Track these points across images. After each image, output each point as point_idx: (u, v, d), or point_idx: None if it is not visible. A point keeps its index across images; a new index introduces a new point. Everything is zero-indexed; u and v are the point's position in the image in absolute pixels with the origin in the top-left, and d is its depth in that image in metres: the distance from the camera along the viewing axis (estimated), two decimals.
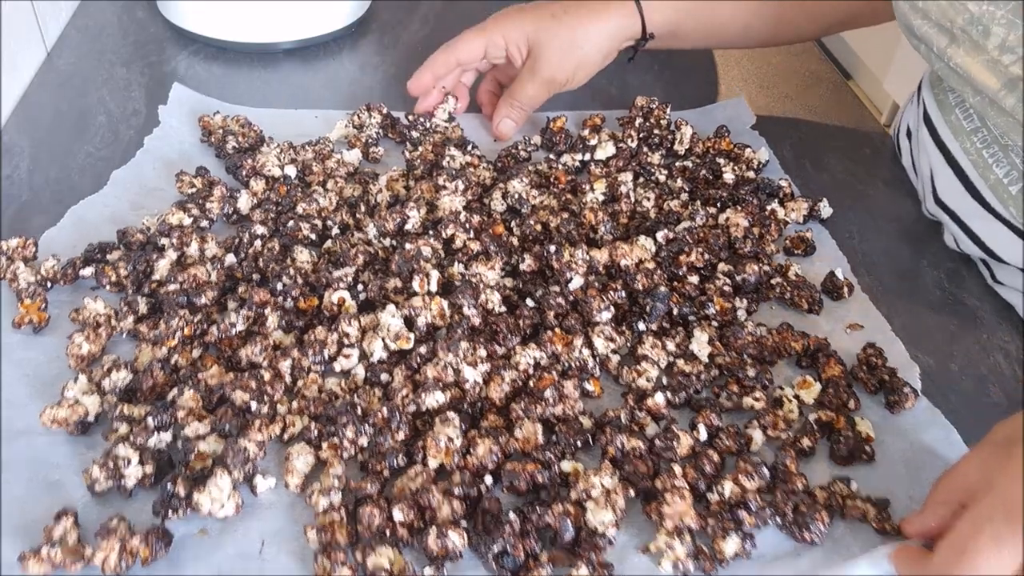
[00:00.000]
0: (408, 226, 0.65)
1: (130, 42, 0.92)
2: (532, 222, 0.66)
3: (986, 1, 0.53)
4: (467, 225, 0.64)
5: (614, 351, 0.59)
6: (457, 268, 0.62)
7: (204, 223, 0.66)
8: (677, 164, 0.76)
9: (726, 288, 0.62)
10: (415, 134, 0.78)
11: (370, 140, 0.76)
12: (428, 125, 0.77)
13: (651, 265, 0.62)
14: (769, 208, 0.71)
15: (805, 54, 1.01)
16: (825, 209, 0.73)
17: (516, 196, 0.68)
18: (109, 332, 0.56)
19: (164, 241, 0.62)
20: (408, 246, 0.62)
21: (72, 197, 0.71)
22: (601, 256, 0.63)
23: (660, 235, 0.64)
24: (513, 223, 0.68)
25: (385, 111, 0.79)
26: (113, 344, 0.57)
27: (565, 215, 0.67)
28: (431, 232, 0.65)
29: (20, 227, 0.67)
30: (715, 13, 0.76)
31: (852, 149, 0.84)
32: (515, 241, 0.66)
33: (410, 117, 0.78)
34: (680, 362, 0.58)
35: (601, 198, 0.71)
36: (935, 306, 0.67)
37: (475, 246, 0.64)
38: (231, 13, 0.88)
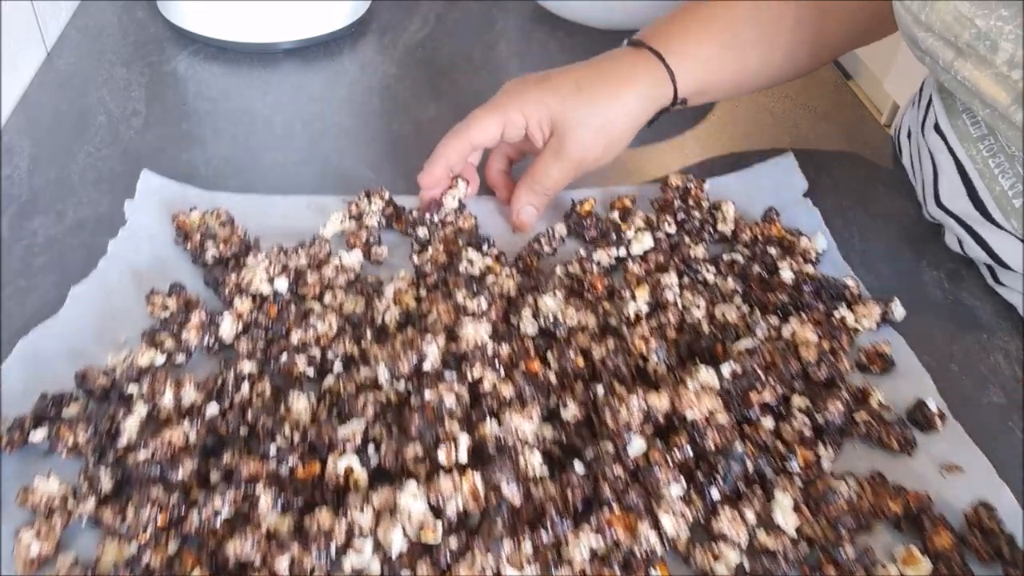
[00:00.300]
0: (426, 365, 0.52)
1: (130, 42, 0.86)
2: (572, 354, 0.53)
3: (993, 16, 0.50)
4: (496, 362, 0.52)
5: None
6: (489, 426, 0.49)
7: (180, 357, 0.53)
8: (725, 258, 0.62)
9: (806, 431, 0.51)
10: (422, 232, 0.64)
11: (371, 238, 0.63)
12: (436, 220, 0.64)
13: (723, 418, 0.49)
14: (838, 315, 0.59)
15: None
16: (898, 310, 0.60)
17: (550, 317, 0.56)
18: (65, 520, 0.45)
19: (132, 389, 0.50)
20: (428, 395, 0.49)
21: (72, 198, 0.66)
22: (660, 403, 0.50)
23: (726, 370, 0.51)
24: (549, 353, 0.54)
25: (387, 196, 0.65)
26: (70, 534, 0.45)
27: (610, 344, 0.54)
28: (453, 371, 0.52)
29: (20, 227, 0.63)
30: (745, 63, 0.67)
31: (852, 149, 0.79)
32: (553, 377, 0.53)
33: (414, 213, 0.64)
34: (762, 535, 0.47)
35: (645, 308, 0.58)
36: (935, 306, 0.63)
37: (507, 390, 0.51)
38: (231, 13, 0.83)
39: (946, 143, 0.64)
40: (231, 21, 0.85)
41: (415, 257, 0.62)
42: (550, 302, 0.57)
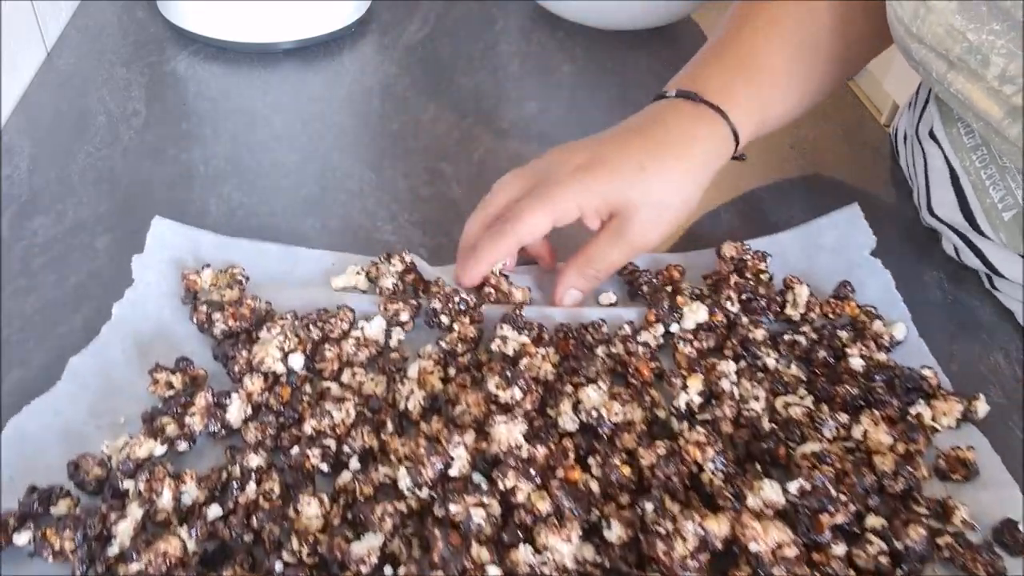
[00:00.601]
0: (452, 470, 0.45)
1: (130, 42, 0.84)
2: (616, 460, 0.46)
3: (985, 31, 0.50)
4: (531, 471, 0.45)
5: None
6: (523, 553, 0.42)
7: (182, 445, 0.47)
8: (786, 338, 0.55)
9: (882, 559, 0.44)
10: (445, 319, 0.55)
11: (397, 317, 0.55)
12: (463, 306, 0.55)
13: (791, 551, 0.43)
14: (914, 411, 0.51)
15: None
16: (981, 407, 0.52)
17: (593, 413, 0.48)
18: None
19: (128, 484, 0.45)
20: (454, 508, 0.43)
21: (72, 198, 0.65)
22: (719, 529, 0.43)
23: (794, 487, 0.45)
24: (590, 457, 0.47)
25: (409, 260, 0.58)
26: None
27: (661, 449, 0.46)
28: (482, 478, 0.46)
29: (20, 227, 0.62)
30: (790, 98, 0.62)
31: (852, 149, 0.78)
32: (595, 486, 0.46)
33: (436, 304, 0.55)
34: None
35: (698, 399, 0.50)
36: (935, 306, 0.62)
37: (543, 505, 0.44)
38: (231, 13, 0.81)
39: (941, 150, 0.63)
40: (231, 21, 0.82)
41: (443, 344, 0.54)
42: (593, 395, 0.50)
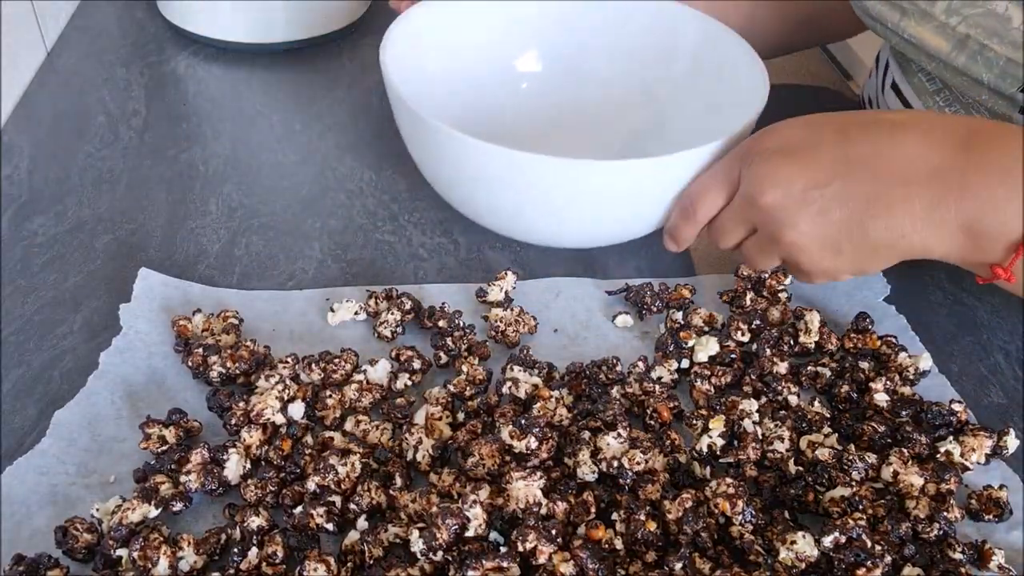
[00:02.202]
0: (468, 531, 0.41)
1: (130, 42, 0.81)
2: (641, 516, 0.42)
3: None
4: (552, 531, 0.40)
5: None
6: None
7: (178, 506, 0.43)
8: (807, 370, 0.52)
9: None
10: (450, 342, 0.51)
11: (409, 364, 0.51)
12: (463, 328, 0.53)
13: None
14: (943, 449, 0.47)
15: (806, 55, 0.89)
16: (1012, 442, 0.49)
17: (614, 464, 0.44)
18: None
19: (121, 552, 0.40)
20: (471, 574, 0.39)
21: (71, 197, 0.62)
22: None
23: (828, 540, 0.41)
24: (614, 514, 0.43)
25: (408, 307, 0.53)
26: None
27: (687, 501, 0.42)
28: (499, 536, 0.42)
29: (20, 227, 0.60)
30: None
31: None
32: (619, 542, 0.42)
33: (441, 323, 0.53)
34: None
35: (720, 441, 0.46)
36: (935, 306, 0.59)
37: (566, 567, 0.39)
38: (231, 13, 0.78)
39: (903, 100, 0.64)
40: (231, 21, 0.78)
41: (451, 387, 0.49)
42: (613, 444, 0.45)
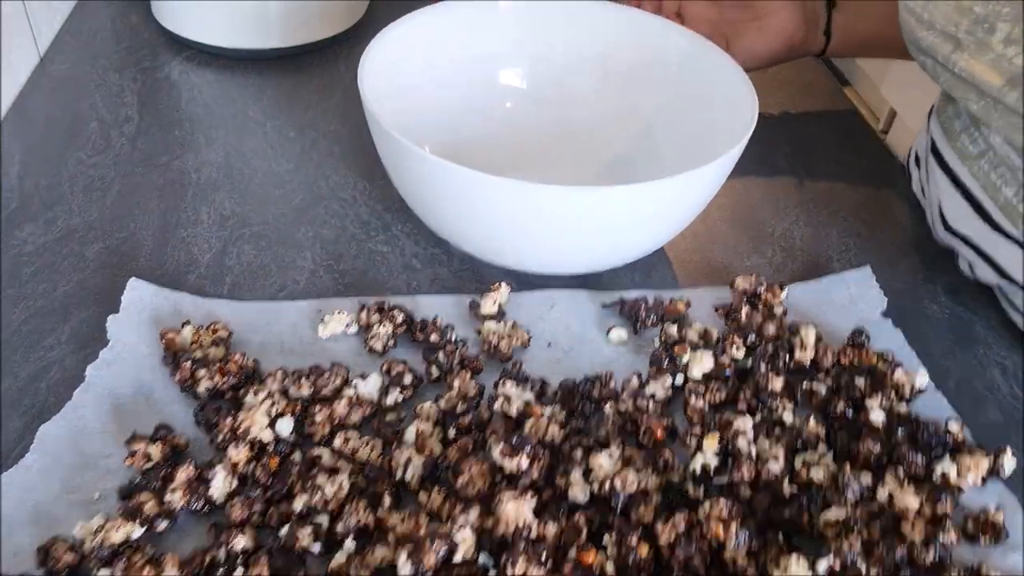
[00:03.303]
0: (457, 555, 0.41)
1: (123, 47, 0.80)
2: (633, 540, 0.41)
3: (992, 3, 0.52)
4: (543, 555, 0.40)
5: None
6: None
7: (162, 524, 0.42)
8: (804, 386, 0.51)
9: None
10: (442, 357, 0.51)
11: (400, 380, 0.50)
12: (456, 343, 0.52)
13: None
14: (940, 470, 0.47)
15: (802, 62, 0.85)
16: (1008, 463, 0.48)
17: (607, 486, 0.44)
18: None
19: (103, 573, 0.40)
20: None
21: (61, 205, 0.62)
22: None
23: (822, 566, 0.41)
24: (605, 534, 0.43)
25: (401, 320, 0.53)
26: None
27: (679, 523, 0.42)
28: (489, 561, 0.41)
29: (9, 235, 0.59)
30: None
31: (848, 160, 0.75)
32: (610, 567, 0.41)
33: (433, 336, 0.52)
34: None
35: (714, 461, 0.46)
36: (932, 320, 0.59)
37: None
38: (225, 19, 0.78)
39: (947, 165, 0.62)
40: (224, 27, 0.78)
41: (441, 403, 0.49)
42: (605, 463, 0.44)
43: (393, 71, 0.59)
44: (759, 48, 0.70)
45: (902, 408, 0.50)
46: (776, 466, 0.45)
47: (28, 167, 0.64)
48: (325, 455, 0.45)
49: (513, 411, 0.47)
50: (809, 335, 0.52)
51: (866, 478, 0.45)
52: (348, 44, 0.83)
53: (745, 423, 0.46)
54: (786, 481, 0.45)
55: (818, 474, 0.45)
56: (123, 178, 0.64)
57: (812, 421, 0.48)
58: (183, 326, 0.51)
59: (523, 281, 0.58)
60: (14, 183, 0.63)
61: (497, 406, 0.47)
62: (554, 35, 0.67)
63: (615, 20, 0.66)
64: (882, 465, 0.46)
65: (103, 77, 0.76)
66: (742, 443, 0.46)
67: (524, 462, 0.43)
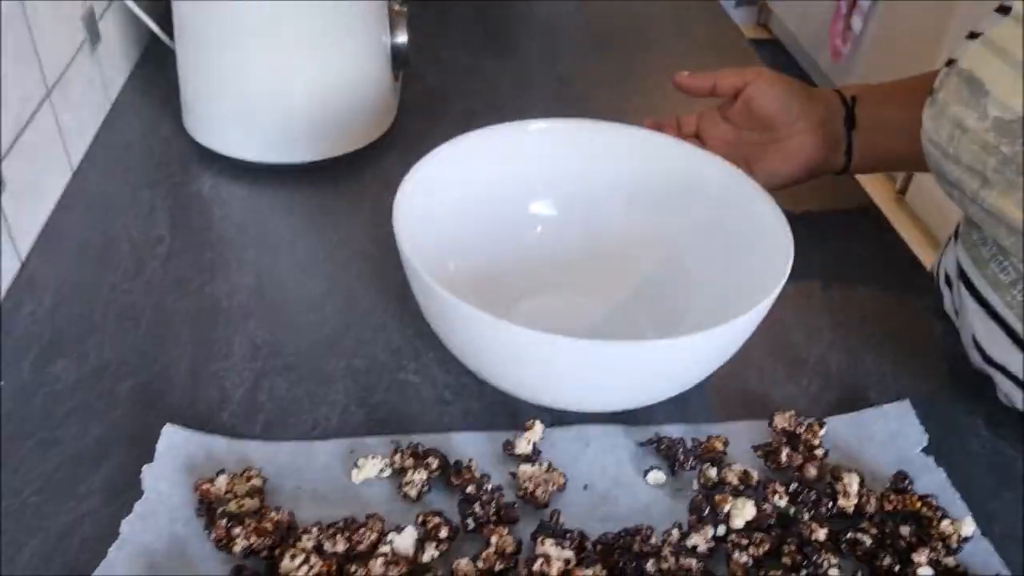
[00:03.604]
0: None
1: (155, 162, 0.81)
2: None
3: (1018, 143, 0.51)
4: None
5: None
6: None
7: None
8: (847, 536, 0.50)
9: None
10: (478, 508, 0.50)
11: (436, 533, 0.49)
12: (492, 492, 0.51)
13: None
14: None
15: None
16: None
17: None
18: None
19: None
20: None
21: (93, 337, 0.61)
22: None
23: None
24: None
25: (436, 466, 0.53)
26: None
27: None
28: None
29: (42, 371, 0.58)
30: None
31: (879, 272, 0.75)
32: None
33: (469, 489, 0.51)
34: None
35: None
36: (973, 457, 0.58)
37: None
38: (252, 132, 0.80)
39: (978, 293, 0.61)
40: (252, 141, 0.80)
41: (479, 564, 0.48)
42: None
43: (425, 205, 0.61)
44: (780, 170, 0.71)
45: (950, 561, 0.49)
46: None
47: (61, 295, 0.65)
48: None
49: (553, 572, 0.46)
50: (852, 483, 0.51)
51: None
52: (376, 155, 0.84)
53: None
54: None
55: None
56: (155, 306, 0.65)
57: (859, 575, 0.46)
58: (217, 475, 0.50)
59: (556, 414, 0.57)
60: (47, 313, 0.63)
61: (537, 567, 0.46)
62: (584, 160, 0.67)
63: (644, 145, 0.66)
64: None
65: (135, 195, 0.77)
66: None
67: None
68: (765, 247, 0.57)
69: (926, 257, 0.76)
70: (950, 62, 0.57)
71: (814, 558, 0.47)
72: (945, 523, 0.50)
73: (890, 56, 2.53)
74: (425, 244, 0.55)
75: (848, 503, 0.51)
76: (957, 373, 0.64)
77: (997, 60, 0.53)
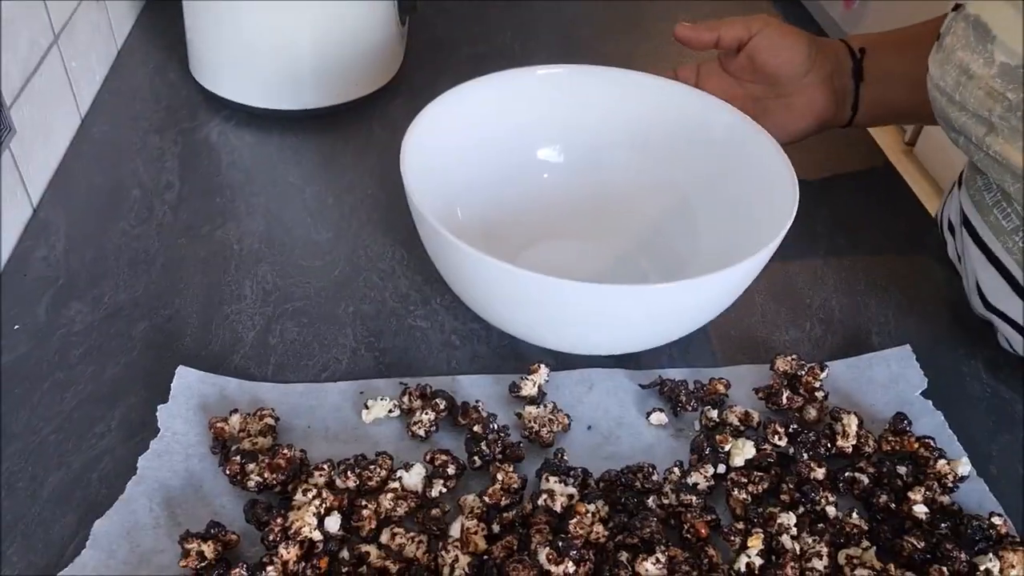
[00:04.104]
0: None
1: (163, 107, 0.81)
2: None
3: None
4: None
5: None
6: None
7: None
8: (846, 475, 0.51)
9: None
10: (484, 447, 0.51)
11: (444, 470, 0.50)
12: (497, 431, 0.52)
13: None
14: (983, 566, 0.46)
15: None
16: None
17: None
18: None
19: None
20: None
21: (107, 280, 0.62)
22: None
23: None
24: None
25: (443, 407, 0.53)
26: None
27: None
28: None
29: (58, 314, 0.59)
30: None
31: (885, 221, 0.75)
32: None
33: (476, 428, 0.52)
34: None
35: (758, 560, 0.46)
36: (972, 400, 0.58)
37: None
38: (259, 79, 0.79)
39: (980, 239, 0.61)
40: (258, 87, 0.79)
41: (486, 498, 0.49)
42: (652, 569, 0.45)
43: (432, 150, 0.61)
44: (788, 127, 0.69)
45: (945, 499, 0.50)
46: (820, 564, 0.46)
47: (73, 240, 0.66)
48: (372, 552, 0.46)
49: (557, 507, 0.48)
50: (851, 424, 0.52)
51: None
52: (382, 102, 0.84)
53: (788, 519, 0.47)
54: None
55: (862, 574, 0.45)
56: (167, 250, 0.65)
57: (855, 514, 0.49)
58: (231, 414, 0.52)
59: (561, 358, 0.58)
60: (60, 257, 0.64)
61: (541, 502, 0.48)
62: (591, 106, 0.67)
63: (652, 92, 0.66)
64: (926, 561, 0.47)
65: (144, 140, 0.77)
66: (786, 540, 0.46)
67: (570, 567, 0.44)
68: (771, 194, 0.57)
69: (933, 208, 0.77)
70: (957, 6, 0.56)
71: (811, 495, 0.48)
72: (941, 463, 0.51)
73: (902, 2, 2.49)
74: (432, 190, 0.55)
75: (847, 444, 0.52)
76: (959, 319, 0.65)
77: (1005, 4, 0.53)
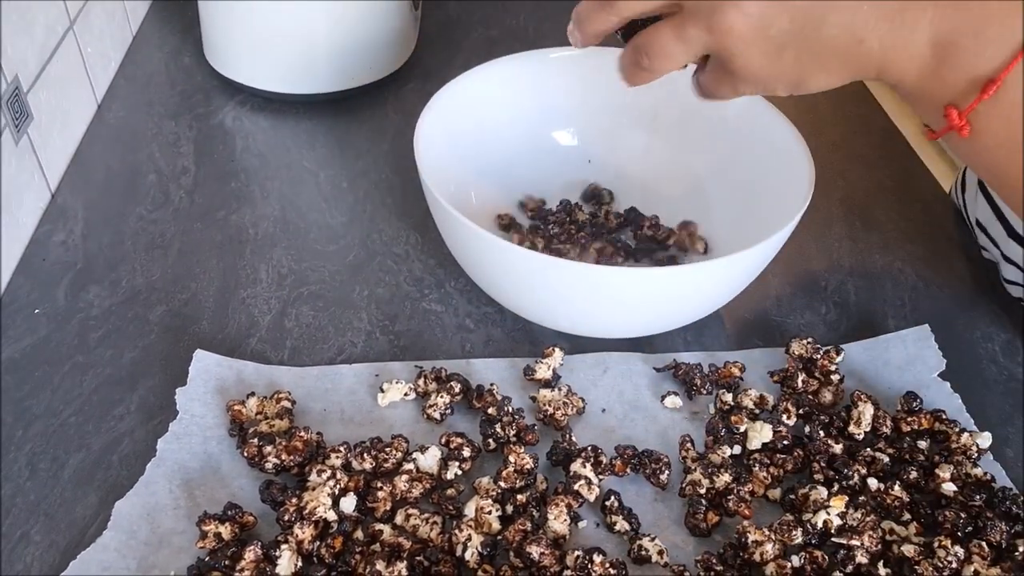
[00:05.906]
0: None
1: (178, 92, 0.82)
2: None
3: None
4: None
5: None
6: None
7: None
8: (866, 453, 0.51)
9: None
10: (499, 429, 0.51)
11: (460, 453, 0.51)
12: (512, 414, 0.52)
13: None
14: (1021, 547, 0.46)
15: (855, 97, 0.87)
16: None
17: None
18: None
19: None
20: None
21: (125, 265, 0.63)
22: None
23: None
24: None
25: (458, 389, 0.54)
26: None
27: None
28: None
29: (76, 298, 0.60)
30: None
31: (901, 202, 0.75)
32: None
33: (491, 410, 0.53)
34: None
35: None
36: (989, 383, 0.58)
37: None
38: (273, 64, 0.79)
39: (994, 206, 0.61)
40: (274, 72, 0.80)
41: (501, 483, 0.49)
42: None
43: (446, 134, 0.61)
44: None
45: (977, 472, 0.50)
46: (862, 544, 0.47)
47: (91, 224, 0.66)
48: (387, 532, 0.46)
49: (591, 497, 0.49)
50: (866, 412, 0.52)
51: (958, 551, 0.45)
52: (396, 86, 0.84)
53: (819, 492, 0.49)
54: (881, 564, 0.46)
55: (909, 550, 0.46)
56: (183, 235, 0.66)
57: (897, 486, 0.49)
58: (248, 397, 0.52)
59: (575, 342, 0.58)
60: (78, 241, 0.65)
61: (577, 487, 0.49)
62: (605, 89, 0.67)
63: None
64: (969, 533, 0.47)
65: (160, 125, 0.78)
66: (834, 517, 0.48)
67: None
68: (786, 176, 0.57)
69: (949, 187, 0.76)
70: None
71: (844, 471, 0.49)
72: (964, 436, 0.51)
73: None
74: (446, 174, 0.56)
75: (859, 431, 0.52)
76: (975, 303, 0.64)
77: None
